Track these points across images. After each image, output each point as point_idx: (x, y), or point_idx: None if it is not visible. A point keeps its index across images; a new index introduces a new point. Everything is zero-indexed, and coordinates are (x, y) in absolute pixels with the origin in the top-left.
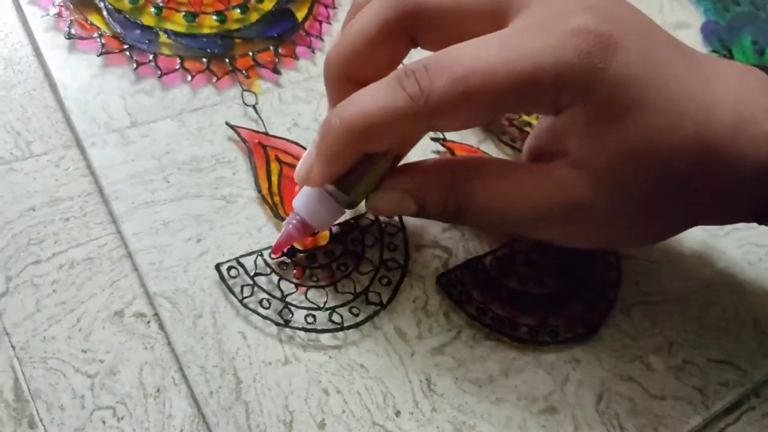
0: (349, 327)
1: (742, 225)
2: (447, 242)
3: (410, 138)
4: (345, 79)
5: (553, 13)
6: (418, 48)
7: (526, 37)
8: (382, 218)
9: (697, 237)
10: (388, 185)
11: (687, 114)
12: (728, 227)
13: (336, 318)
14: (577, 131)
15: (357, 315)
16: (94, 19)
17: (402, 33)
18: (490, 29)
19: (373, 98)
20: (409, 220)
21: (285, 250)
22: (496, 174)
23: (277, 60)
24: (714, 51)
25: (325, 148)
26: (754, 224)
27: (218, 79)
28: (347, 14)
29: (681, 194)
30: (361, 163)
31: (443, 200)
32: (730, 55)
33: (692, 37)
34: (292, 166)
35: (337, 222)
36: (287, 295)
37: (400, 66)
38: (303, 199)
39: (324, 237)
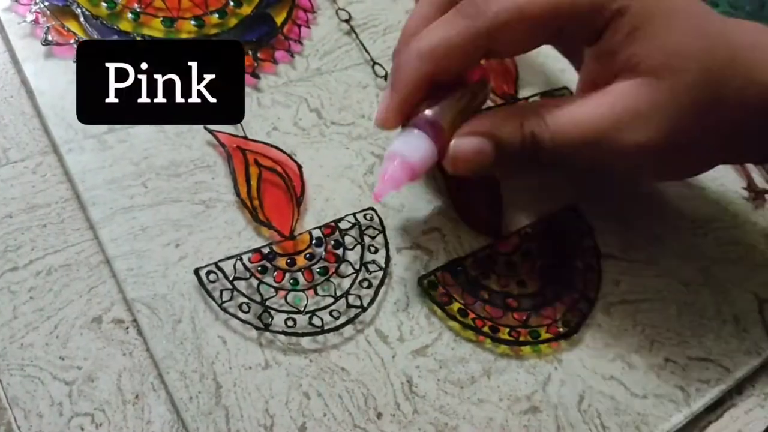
0: (330, 330)
1: (720, 224)
2: (428, 244)
3: (474, 60)
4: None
5: None
6: None
7: None
8: (362, 221)
9: (677, 235)
10: (463, 131)
11: (714, 27)
12: (707, 226)
13: (316, 321)
14: (622, 43)
15: (337, 318)
16: (71, 25)
17: (453, 4)
18: None
19: (438, 28)
20: (390, 222)
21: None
22: (565, 101)
23: (256, 64)
24: None
25: (398, 79)
26: (733, 223)
27: None
28: None
29: (715, 108)
30: (445, 104)
31: (519, 133)
32: None
33: None
34: (272, 170)
35: (318, 226)
36: (267, 298)
37: None
38: (399, 140)
39: (304, 241)
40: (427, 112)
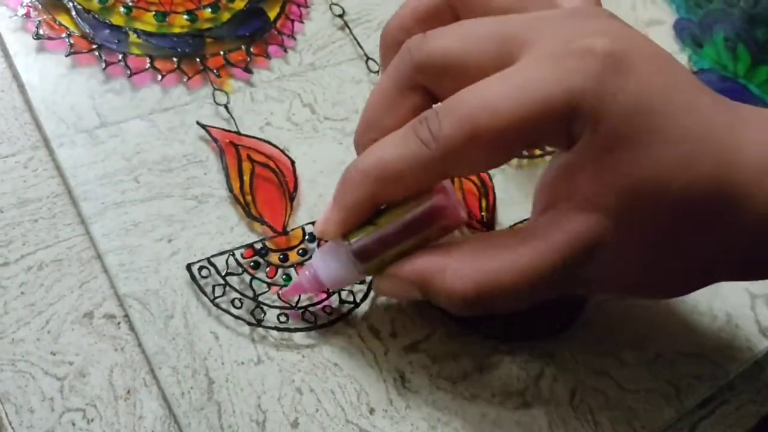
0: (323, 326)
1: None
2: None
3: (426, 186)
4: (374, 142)
5: (561, 42)
6: None
7: (532, 70)
8: None
9: None
10: (390, 271)
11: (707, 150)
12: None
13: (309, 317)
14: (585, 165)
15: (330, 313)
16: (63, 19)
17: (416, 88)
18: (500, 70)
19: (389, 146)
20: None
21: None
22: (504, 247)
23: (248, 59)
24: (686, 48)
25: (341, 196)
26: None
27: (189, 78)
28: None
29: (696, 239)
30: (381, 236)
31: (449, 292)
32: (701, 52)
33: (665, 34)
34: (265, 166)
35: (311, 222)
36: (259, 294)
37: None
38: (321, 255)
39: (297, 236)
40: (360, 238)
